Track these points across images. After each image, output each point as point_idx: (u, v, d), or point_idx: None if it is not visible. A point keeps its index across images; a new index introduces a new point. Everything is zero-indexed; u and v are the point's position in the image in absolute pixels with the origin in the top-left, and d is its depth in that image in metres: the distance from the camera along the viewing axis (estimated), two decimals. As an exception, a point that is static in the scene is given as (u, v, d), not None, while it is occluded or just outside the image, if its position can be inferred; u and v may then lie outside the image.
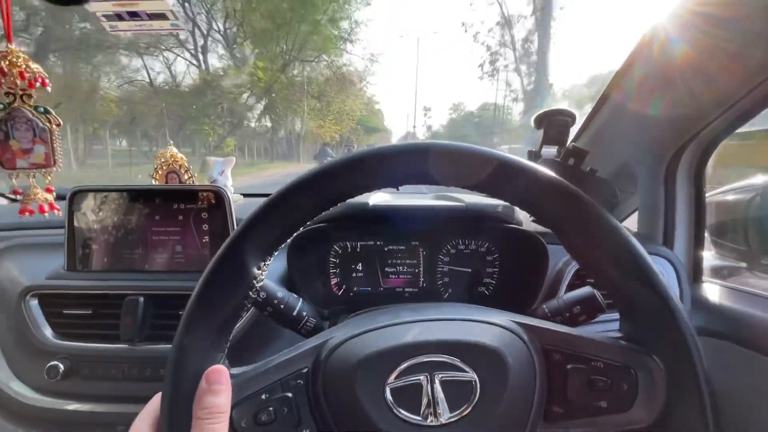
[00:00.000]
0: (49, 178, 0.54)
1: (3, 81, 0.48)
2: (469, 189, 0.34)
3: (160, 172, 0.87)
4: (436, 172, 0.33)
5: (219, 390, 0.29)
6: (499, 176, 0.32)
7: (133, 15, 0.60)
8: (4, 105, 0.50)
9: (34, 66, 0.49)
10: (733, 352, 0.59)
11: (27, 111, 0.51)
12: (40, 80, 0.50)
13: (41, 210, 0.53)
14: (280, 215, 0.32)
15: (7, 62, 0.47)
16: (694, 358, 0.31)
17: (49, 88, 0.51)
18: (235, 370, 0.32)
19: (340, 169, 0.32)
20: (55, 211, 0.54)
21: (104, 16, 0.61)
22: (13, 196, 1.00)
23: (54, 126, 0.53)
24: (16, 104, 0.50)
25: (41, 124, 0.52)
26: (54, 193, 0.55)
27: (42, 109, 0.52)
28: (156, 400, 0.32)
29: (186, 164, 0.88)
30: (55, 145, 0.53)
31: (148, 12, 0.59)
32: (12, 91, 0.49)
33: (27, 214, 0.52)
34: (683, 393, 0.31)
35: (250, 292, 0.32)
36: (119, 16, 0.61)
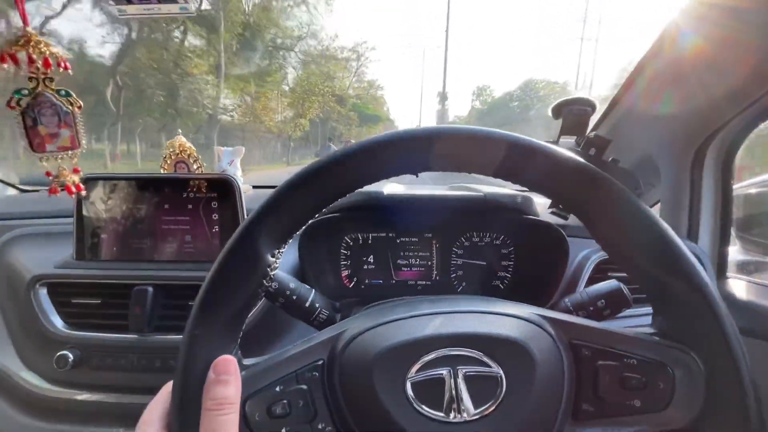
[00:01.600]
0: (75, 159, 0.55)
1: (28, 67, 0.48)
2: (490, 175, 0.32)
3: (168, 162, 0.86)
4: (455, 158, 0.31)
5: (227, 380, 0.28)
6: (522, 160, 0.31)
7: (142, -2, 0.58)
8: (28, 90, 0.50)
9: (55, 49, 0.49)
10: (761, 349, 0.56)
11: (51, 95, 0.51)
12: (63, 64, 0.49)
13: (69, 191, 0.54)
14: (295, 202, 0.31)
15: (32, 48, 0.47)
16: (738, 357, 0.29)
17: (70, 71, 0.50)
18: (248, 361, 0.31)
19: (356, 155, 0.30)
20: (81, 192, 0.55)
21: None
22: (25, 187, 1.01)
23: (76, 108, 0.53)
24: (39, 89, 0.50)
25: (65, 108, 0.52)
26: (81, 174, 0.56)
27: (64, 92, 0.52)
28: (166, 390, 0.30)
29: (195, 153, 0.86)
30: (78, 128, 0.54)
31: (156, -5, 0.58)
32: (35, 75, 0.49)
33: (56, 194, 0.54)
34: (725, 394, 0.29)
35: (264, 281, 0.31)
36: (128, 0, 0.60)
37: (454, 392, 0.30)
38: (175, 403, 0.28)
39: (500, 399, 0.30)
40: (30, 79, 0.50)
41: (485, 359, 0.30)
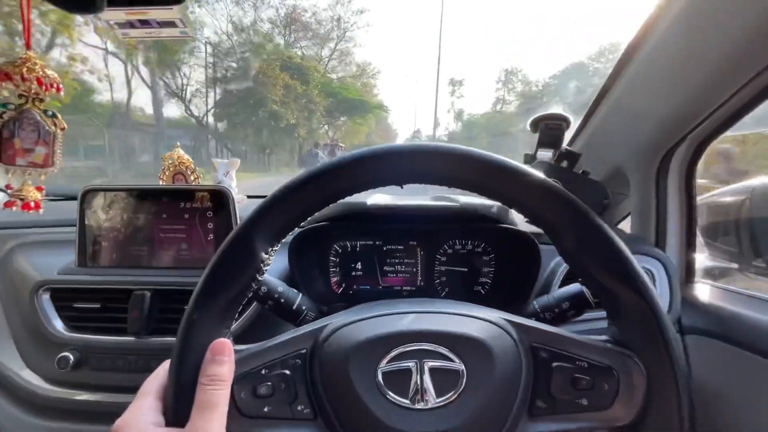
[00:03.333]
0: (43, 177, 0.56)
1: (21, 85, 0.50)
2: (467, 190, 0.36)
3: (167, 173, 0.89)
4: (436, 173, 0.35)
5: (222, 361, 0.32)
6: (495, 179, 0.35)
7: (144, 23, 0.63)
8: (15, 105, 0.53)
9: (50, 72, 0.52)
10: (723, 350, 0.60)
11: (36, 113, 0.53)
12: (55, 86, 0.52)
13: (25, 207, 0.54)
14: (289, 205, 0.35)
15: (26, 69, 0.50)
16: (674, 362, 0.32)
17: (62, 93, 0.53)
18: (239, 347, 0.35)
19: (347, 165, 0.34)
20: (39, 210, 0.55)
21: (116, 24, 0.64)
22: (6, 191, 1.04)
23: (59, 130, 0.55)
24: (27, 106, 0.52)
25: (47, 127, 0.54)
26: (44, 192, 0.56)
27: (50, 113, 0.54)
28: (163, 369, 0.34)
29: (192, 165, 0.90)
30: (55, 148, 0.55)
31: (158, 20, 0.62)
32: (26, 94, 0.52)
33: (11, 208, 0.54)
34: (662, 394, 0.33)
35: (257, 275, 0.35)
36: (131, 24, 0.64)
37: (419, 382, 0.33)
38: (172, 377, 0.32)
39: (460, 391, 0.33)
40: (20, 96, 0.52)
41: (449, 354, 0.34)
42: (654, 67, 0.63)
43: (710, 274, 0.76)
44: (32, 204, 0.55)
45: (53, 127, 0.54)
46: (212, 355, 0.32)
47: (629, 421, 0.34)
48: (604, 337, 0.37)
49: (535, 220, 0.36)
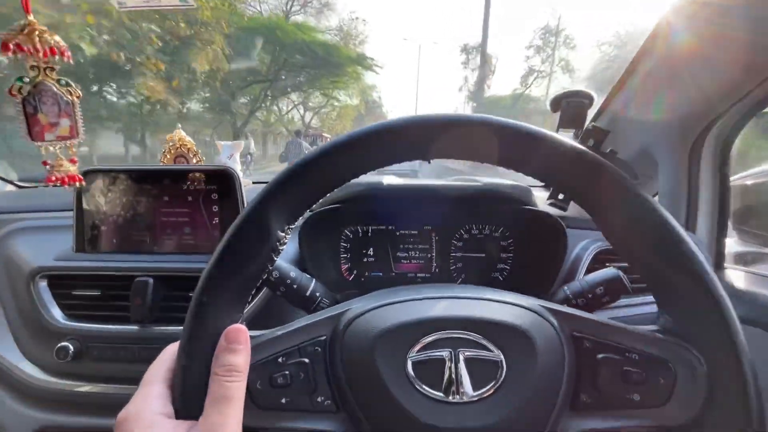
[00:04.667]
0: (73, 150, 0.55)
1: (32, 56, 0.48)
2: (494, 164, 0.33)
3: (168, 156, 0.86)
4: (463, 145, 0.32)
5: (238, 349, 0.29)
6: (526, 148, 0.31)
7: (143, -10, 0.59)
8: (30, 79, 0.51)
9: (56, 38, 0.49)
10: (761, 338, 0.57)
11: (51, 84, 0.51)
12: (66, 54, 0.50)
13: (69, 181, 0.55)
14: (307, 179, 0.31)
15: (36, 37, 0.47)
16: (742, 356, 0.28)
17: (71, 61, 0.51)
18: (253, 333, 0.32)
19: (367, 138, 0.31)
20: (76, 183, 0.56)
21: (113, -8, 0.60)
22: (23, 184, 1.01)
23: (75, 98, 0.53)
24: (40, 77, 0.50)
25: (65, 98, 0.52)
26: (77, 164, 0.56)
27: (64, 82, 0.52)
28: (170, 350, 0.31)
29: (194, 148, 0.87)
30: (77, 118, 0.54)
31: (158, -12, 0.58)
32: (37, 64, 0.49)
33: (56, 183, 0.54)
34: (726, 393, 0.29)
35: (273, 255, 0.32)
36: (128, -8, 0.60)
37: (453, 373, 0.30)
38: (181, 366, 0.29)
39: (499, 383, 0.30)
40: (31, 67, 0.50)
41: (486, 343, 0.31)
42: (685, 49, 0.59)
43: (742, 259, 0.72)
44: (67, 178, 0.54)
45: (70, 96, 0.52)
46: (227, 342, 0.29)
47: (686, 421, 0.30)
48: (653, 327, 0.33)
49: (574, 195, 0.33)
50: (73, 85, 0.52)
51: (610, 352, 0.32)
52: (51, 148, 0.53)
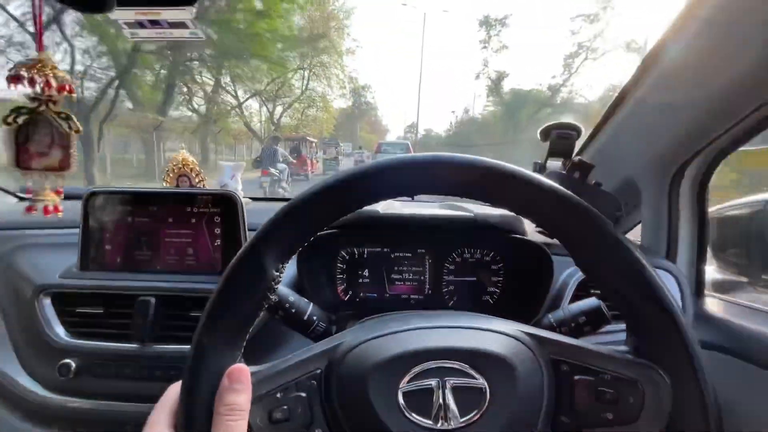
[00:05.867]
0: (61, 181, 0.55)
1: (34, 88, 0.49)
2: (479, 200, 0.36)
3: (171, 176, 0.88)
4: (448, 184, 0.34)
5: (240, 389, 0.30)
6: (509, 188, 0.34)
7: (155, 23, 0.61)
8: (28, 109, 0.52)
9: (61, 73, 0.51)
10: (735, 366, 0.60)
11: (50, 117, 0.52)
12: (67, 87, 0.51)
13: (45, 211, 0.54)
14: (300, 220, 0.33)
15: (36, 71, 0.49)
16: (698, 374, 0.32)
17: (74, 95, 0.52)
18: (252, 369, 0.33)
19: (357, 178, 0.33)
20: (58, 213, 0.55)
21: (125, 23, 0.63)
22: (23, 195, 1.03)
23: (73, 132, 0.54)
24: (41, 109, 0.51)
25: (61, 130, 0.53)
26: (62, 195, 0.56)
27: (64, 116, 0.53)
28: (173, 391, 0.33)
29: (197, 168, 0.89)
30: (71, 151, 0.54)
31: (169, 21, 0.61)
32: (39, 97, 0.51)
33: (33, 212, 0.54)
34: (688, 407, 0.32)
35: (268, 293, 0.33)
36: (141, 24, 0.63)
37: (442, 401, 0.32)
38: (183, 405, 0.31)
39: (484, 409, 0.32)
40: (32, 99, 0.51)
41: (471, 371, 0.33)
42: (672, 80, 0.63)
43: (720, 287, 0.76)
44: (51, 208, 0.54)
45: (68, 130, 0.53)
46: (230, 382, 0.30)
47: None
48: (624, 348, 0.36)
49: (552, 231, 0.36)
50: (74, 119, 0.53)
51: (585, 373, 0.34)
52: (36, 177, 0.54)
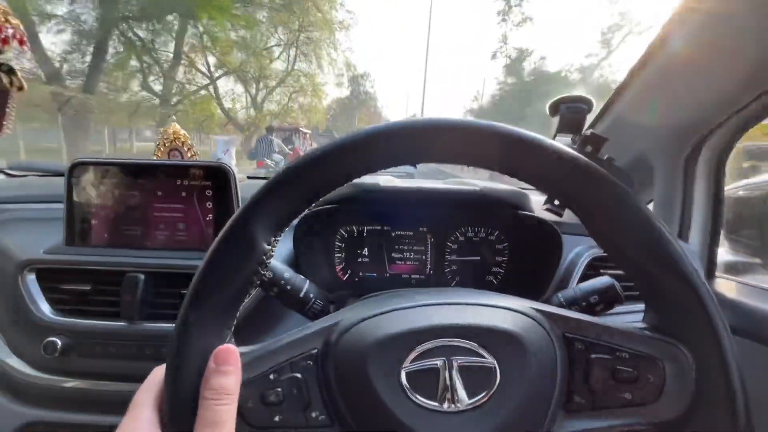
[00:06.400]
0: None
1: None
2: (489, 168, 0.32)
3: (162, 149, 0.84)
4: (453, 150, 0.32)
5: (228, 371, 0.28)
6: (521, 154, 0.31)
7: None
8: None
9: (14, 20, 0.44)
10: (749, 348, 0.58)
11: None
12: (18, 37, 0.45)
13: None
14: (293, 189, 0.30)
15: (2, 16, 0.42)
16: (727, 352, 0.29)
17: (26, 48, 0.46)
18: (242, 349, 0.31)
19: (354, 144, 0.30)
20: None
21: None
22: (11, 172, 0.99)
23: (15, 89, 0.47)
24: None
25: None
26: None
27: (6, 68, 0.46)
28: (157, 374, 0.30)
29: (189, 141, 0.85)
30: (7, 110, 0.48)
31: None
32: None
33: None
34: (713, 388, 0.30)
35: (260, 269, 0.31)
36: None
37: (448, 382, 0.30)
38: (169, 387, 0.28)
39: (494, 389, 0.30)
40: None
41: (479, 350, 0.31)
42: (685, 58, 0.59)
43: (732, 268, 0.73)
44: None
45: (7, 85, 0.46)
46: (216, 364, 0.28)
47: (676, 416, 0.31)
48: (642, 325, 0.34)
49: (565, 199, 0.33)
50: (18, 74, 0.46)
51: (602, 351, 0.32)
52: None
